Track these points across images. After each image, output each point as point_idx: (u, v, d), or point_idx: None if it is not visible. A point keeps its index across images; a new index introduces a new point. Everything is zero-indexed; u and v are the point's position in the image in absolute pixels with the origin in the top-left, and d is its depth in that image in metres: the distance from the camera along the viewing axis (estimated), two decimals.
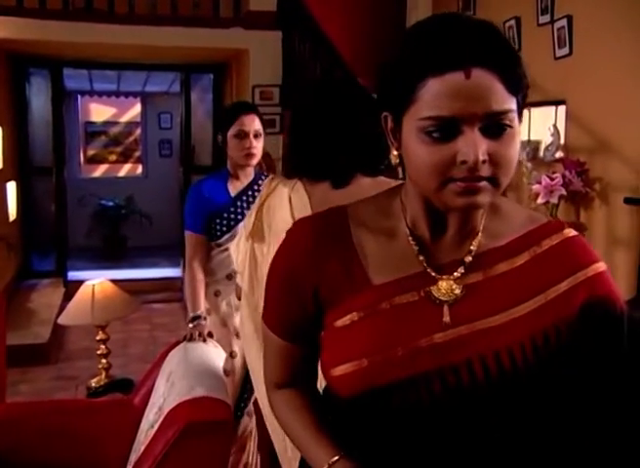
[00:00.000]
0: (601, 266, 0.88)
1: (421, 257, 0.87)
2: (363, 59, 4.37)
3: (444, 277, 0.86)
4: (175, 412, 1.74)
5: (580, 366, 0.84)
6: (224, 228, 2.45)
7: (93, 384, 2.98)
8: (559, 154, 3.59)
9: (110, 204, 8.60)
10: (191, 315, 2.35)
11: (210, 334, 2.34)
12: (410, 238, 0.88)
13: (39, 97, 6.39)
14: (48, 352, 4.39)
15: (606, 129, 3.28)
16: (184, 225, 2.49)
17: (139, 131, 9.38)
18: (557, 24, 3.56)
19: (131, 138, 9.45)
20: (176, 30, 5.07)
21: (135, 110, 9.35)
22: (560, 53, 3.55)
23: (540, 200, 3.30)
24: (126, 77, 7.78)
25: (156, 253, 7.79)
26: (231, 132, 2.39)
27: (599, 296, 0.85)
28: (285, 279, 0.93)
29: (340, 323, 0.87)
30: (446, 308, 0.84)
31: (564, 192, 3.27)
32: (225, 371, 2.18)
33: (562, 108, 3.66)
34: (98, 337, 2.99)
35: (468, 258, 0.87)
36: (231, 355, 2.37)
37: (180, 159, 7.12)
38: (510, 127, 0.78)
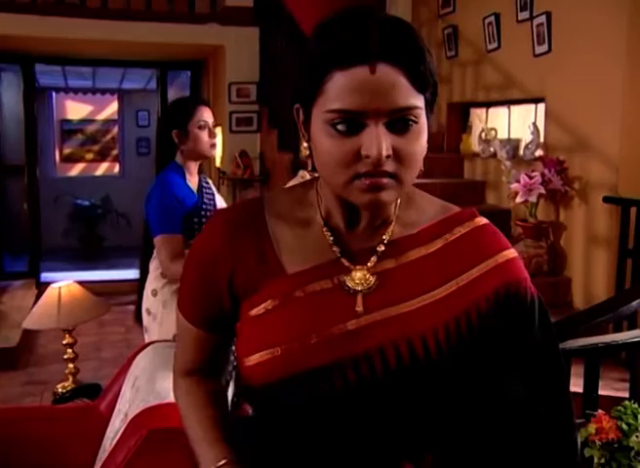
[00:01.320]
0: (511, 253, 0.89)
1: (335, 248, 0.88)
2: None
3: (357, 267, 0.87)
4: (138, 419, 1.67)
5: (492, 351, 0.85)
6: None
7: (59, 390, 2.88)
8: (539, 153, 3.57)
9: (86, 203, 8.48)
10: None
11: None
12: (324, 228, 0.89)
13: (10, 94, 6.26)
14: (18, 356, 4.28)
15: (585, 127, 3.26)
16: (160, 229, 2.26)
17: (116, 129, 9.24)
18: (536, 21, 3.53)
19: (108, 137, 9.31)
20: (150, 26, 5.00)
21: (112, 108, 9.21)
22: (539, 50, 3.52)
23: (519, 199, 3.27)
24: (102, 74, 7.65)
25: (133, 253, 7.51)
26: (194, 124, 2.35)
27: (509, 282, 0.86)
28: (200, 267, 0.92)
29: (254, 312, 0.87)
30: (360, 297, 0.85)
31: (543, 191, 3.24)
32: None
33: (542, 106, 3.64)
34: (64, 341, 2.90)
35: (381, 247, 0.88)
36: None
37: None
38: (416, 123, 0.79)
